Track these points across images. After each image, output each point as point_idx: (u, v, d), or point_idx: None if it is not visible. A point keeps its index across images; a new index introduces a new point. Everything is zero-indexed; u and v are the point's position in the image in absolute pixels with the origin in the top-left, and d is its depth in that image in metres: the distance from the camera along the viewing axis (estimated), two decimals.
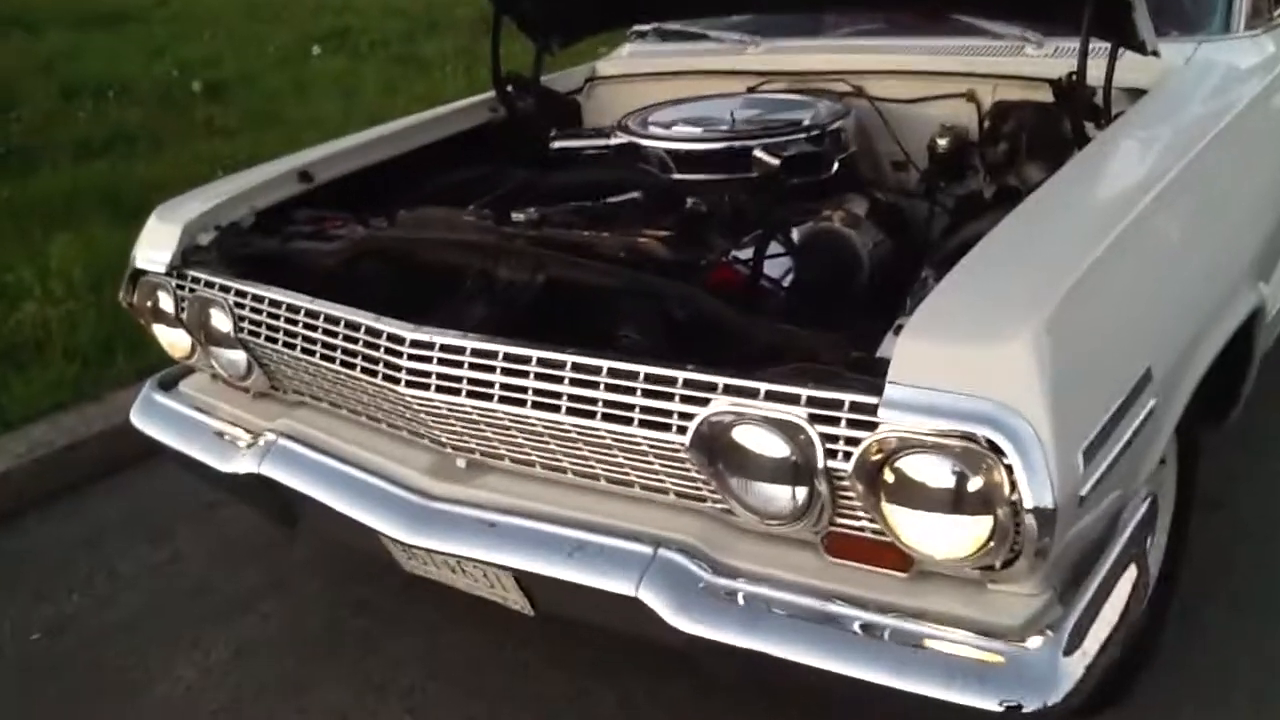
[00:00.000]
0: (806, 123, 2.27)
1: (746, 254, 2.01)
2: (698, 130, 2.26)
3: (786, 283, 1.89)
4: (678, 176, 2.22)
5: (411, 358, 1.78)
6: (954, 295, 1.48)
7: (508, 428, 1.74)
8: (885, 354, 1.44)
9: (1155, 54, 2.12)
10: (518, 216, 1.92)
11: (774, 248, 1.99)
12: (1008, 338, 1.37)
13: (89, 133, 6.16)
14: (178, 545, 2.88)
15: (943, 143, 2.39)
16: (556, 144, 2.45)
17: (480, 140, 2.80)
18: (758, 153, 2.15)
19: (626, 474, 1.70)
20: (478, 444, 1.84)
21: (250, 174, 2.50)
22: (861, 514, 1.51)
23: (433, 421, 1.83)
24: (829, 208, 2.09)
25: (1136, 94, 2.22)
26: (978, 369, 1.36)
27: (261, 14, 9.33)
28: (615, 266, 1.76)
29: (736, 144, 2.19)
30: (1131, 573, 1.53)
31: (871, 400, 1.41)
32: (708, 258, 1.94)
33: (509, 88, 2.83)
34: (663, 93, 2.79)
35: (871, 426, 1.41)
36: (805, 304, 1.81)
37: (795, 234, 1.97)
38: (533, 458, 1.79)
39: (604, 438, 1.64)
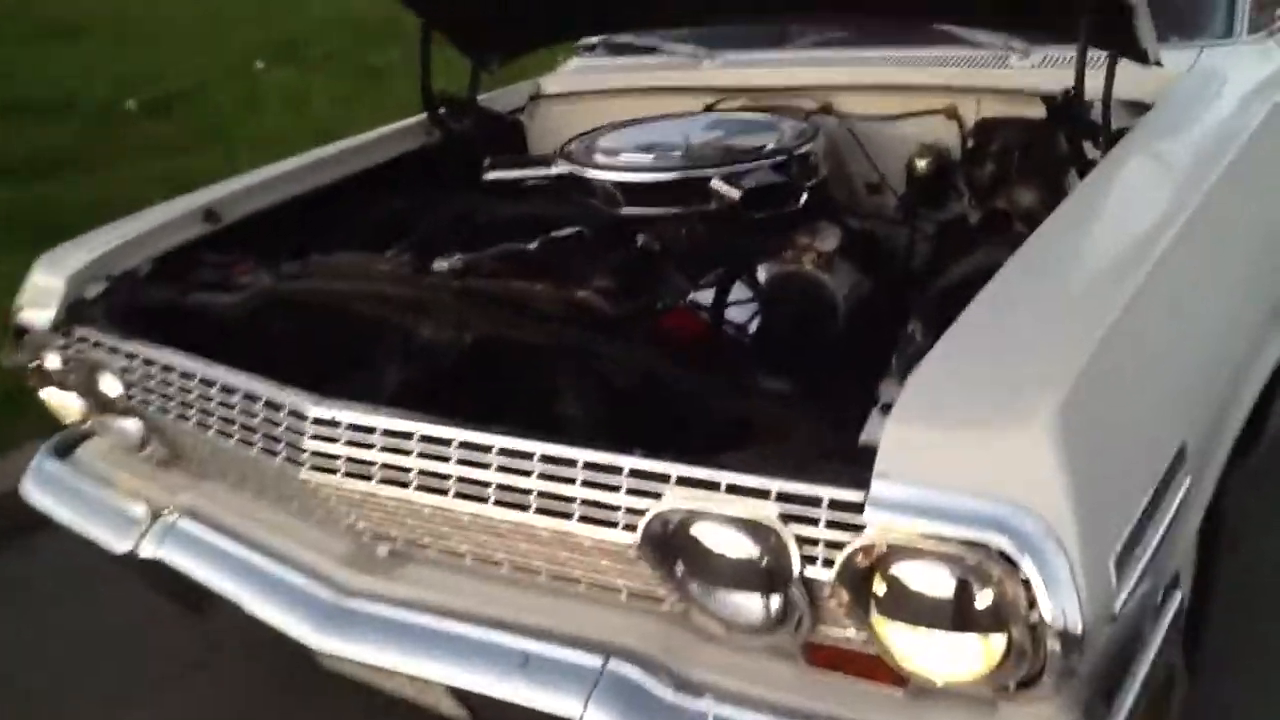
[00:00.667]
0: (770, 147, 2.03)
1: (705, 299, 1.77)
2: (648, 158, 2.02)
3: (750, 335, 1.65)
4: (626, 211, 1.97)
5: (316, 437, 1.53)
6: (951, 366, 1.24)
7: (430, 518, 1.49)
8: (871, 438, 1.20)
9: (1158, 64, 1.89)
10: (440, 265, 1.66)
11: (736, 292, 1.75)
12: (1020, 422, 1.13)
13: (23, 152, 5.84)
14: (92, 610, 2.60)
15: (922, 164, 2.16)
16: (490, 174, 2.20)
17: (412, 168, 2.54)
18: (716, 183, 1.90)
19: (571, 571, 1.45)
20: (399, 532, 1.58)
21: (148, 215, 2.23)
22: (849, 622, 1.26)
23: (346, 508, 1.58)
24: (798, 245, 1.84)
25: (1135, 108, 2.00)
26: (984, 461, 1.12)
27: (222, 22, 8.99)
28: (551, 325, 1.51)
29: (692, 173, 1.95)
30: (1168, 681, 1.29)
31: (856, 497, 1.17)
32: (660, 305, 1.69)
33: (441, 109, 2.57)
34: (612, 112, 2.54)
35: (857, 529, 1.17)
36: (772, 362, 1.57)
37: (760, 277, 1.73)
38: (462, 548, 1.54)
39: (540, 533, 1.39)
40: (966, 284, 1.57)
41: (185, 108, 6.81)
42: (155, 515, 1.88)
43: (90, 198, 5.17)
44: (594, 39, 2.81)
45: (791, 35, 2.59)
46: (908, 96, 2.22)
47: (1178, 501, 1.27)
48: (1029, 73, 2.14)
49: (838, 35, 2.49)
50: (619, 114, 2.49)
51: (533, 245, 1.89)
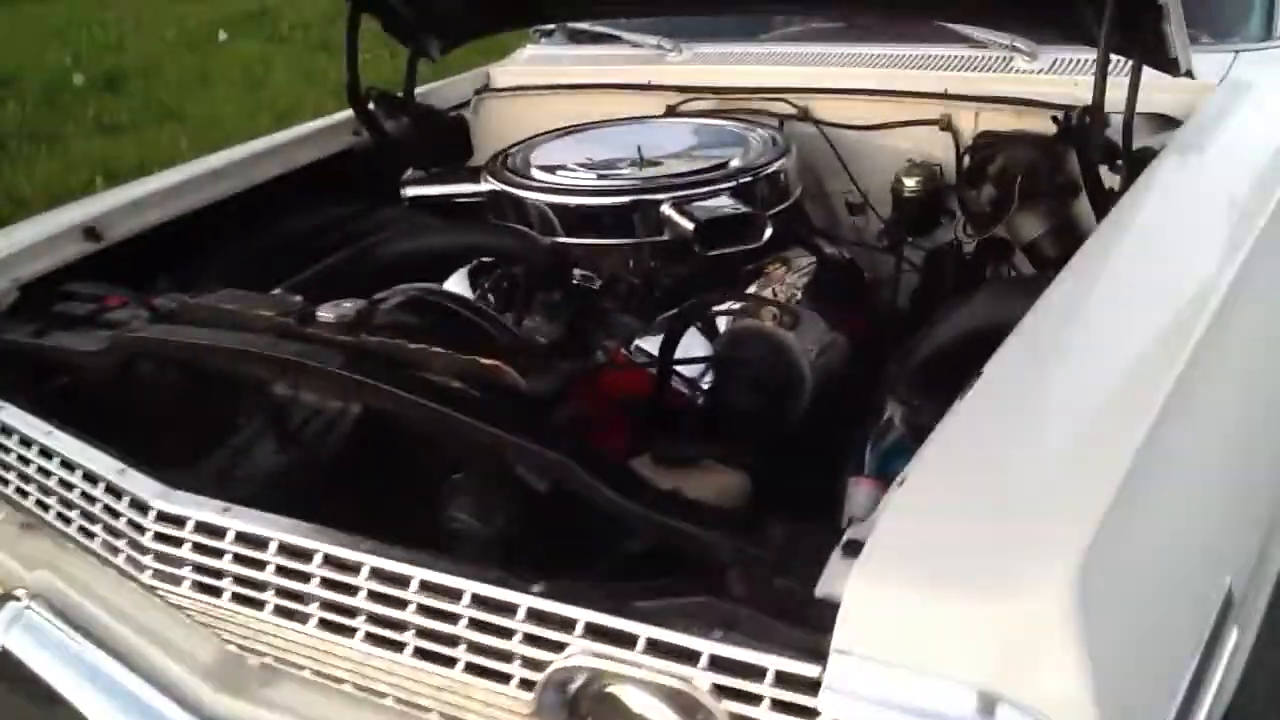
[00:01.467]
0: (734, 164, 1.74)
1: (649, 346, 1.49)
2: (590, 177, 1.72)
3: (695, 410, 1.37)
4: (564, 240, 1.68)
5: (159, 536, 1.24)
6: (937, 495, 0.95)
7: (296, 640, 1.21)
8: (831, 591, 0.91)
9: (1189, 75, 1.61)
10: (326, 314, 1.37)
11: (686, 346, 1.47)
12: (1029, 587, 0.85)
13: None
14: None
15: (910, 183, 1.87)
16: (409, 191, 1.90)
17: (336, 175, 2.24)
18: (668, 209, 1.61)
19: (464, 715, 1.17)
20: (269, 649, 1.30)
21: (18, 230, 1.93)
22: None
23: (203, 620, 1.30)
24: (764, 286, 1.56)
25: (1159, 122, 1.71)
26: (980, 639, 0.84)
27: None
28: (450, 402, 1.22)
29: (641, 196, 1.65)
30: None
31: (809, 672, 0.89)
32: (595, 363, 1.41)
33: (371, 104, 2.26)
34: (565, 110, 2.25)
35: (810, 714, 0.89)
36: (718, 449, 1.29)
37: (712, 332, 1.44)
38: (340, 673, 1.26)
39: (421, 678, 1.11)
40: (959, 347, 1.29)
41: (139, 82, 6.46)
42: (4, 596, 1.60)
43: (33, 182, 4.87)
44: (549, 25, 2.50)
45: (769, 25, 2.28)
46: (896, 103, 1.93)
47: (1226, 657, 1.00)
48: (1036, 80, 1.86)
49: (818, 27, 2.19)
50: (573, 112, 2.20)
51: (447, 285, 1.60)
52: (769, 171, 1.74)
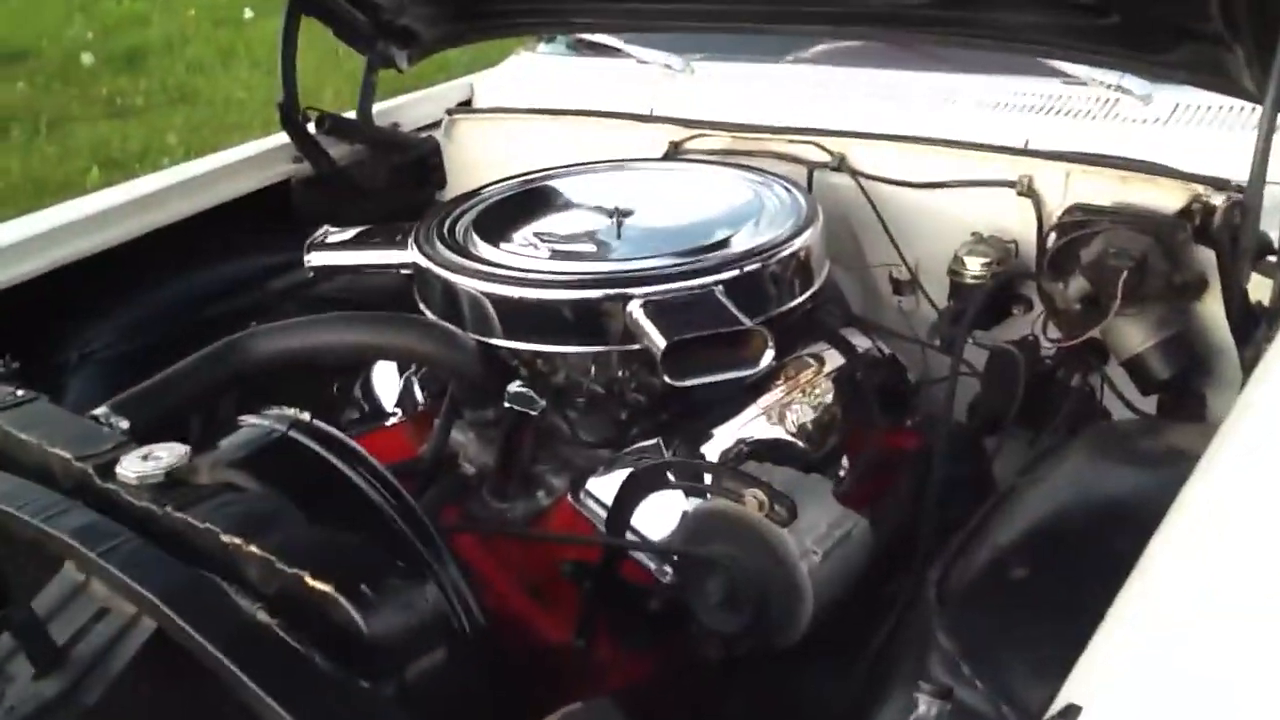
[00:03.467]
0: (743, 247, 1.29)
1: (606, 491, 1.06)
2: (542, 256, 1.28)
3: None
4: (502, 345, 1.25)
5: None
6: None
7: None
8: None
9: None
10: (126, 472, 0.95)
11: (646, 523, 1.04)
12: None
13: None
14: None
15: (974, 265, 1.42)
16: (312, 259, 1.48)
17: (277, 208, 1.84)
18: (637, 313, 1.17)
19: None
20: None
21: None
22: None
23: None
24: (773, 408, 1.13)
25: None
26: None
27: None
28: (245, 643, 0.81)
29: (606, 293, 1.21)
30: None
31: None
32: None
33: (311, 126, 1.85)
34: (550, 138, 1.84)
35: None
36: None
37: (677, 514, 1.01)
38: None
39: None
40: (1040, 550, 0.87)
41: (160, 60, 6.12)
42: None
43: (29, 170, 4.55)
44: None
45: (798, 41, 1.83)
46: (960, 155, 1.47)
47: None
48: (1150, 132, 1.39)
49: (862, 46, 1.73)
50: (560, 141, 1.79)
51: (375, 372, 1.19)
52: (783, 254, 1.29)
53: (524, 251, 1.30)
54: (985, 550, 0.97)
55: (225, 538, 0.90)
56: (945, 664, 0.83)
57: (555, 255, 1.28)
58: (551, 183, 1.55)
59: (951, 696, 0.76)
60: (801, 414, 1.32)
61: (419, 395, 1.44)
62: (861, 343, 1.47)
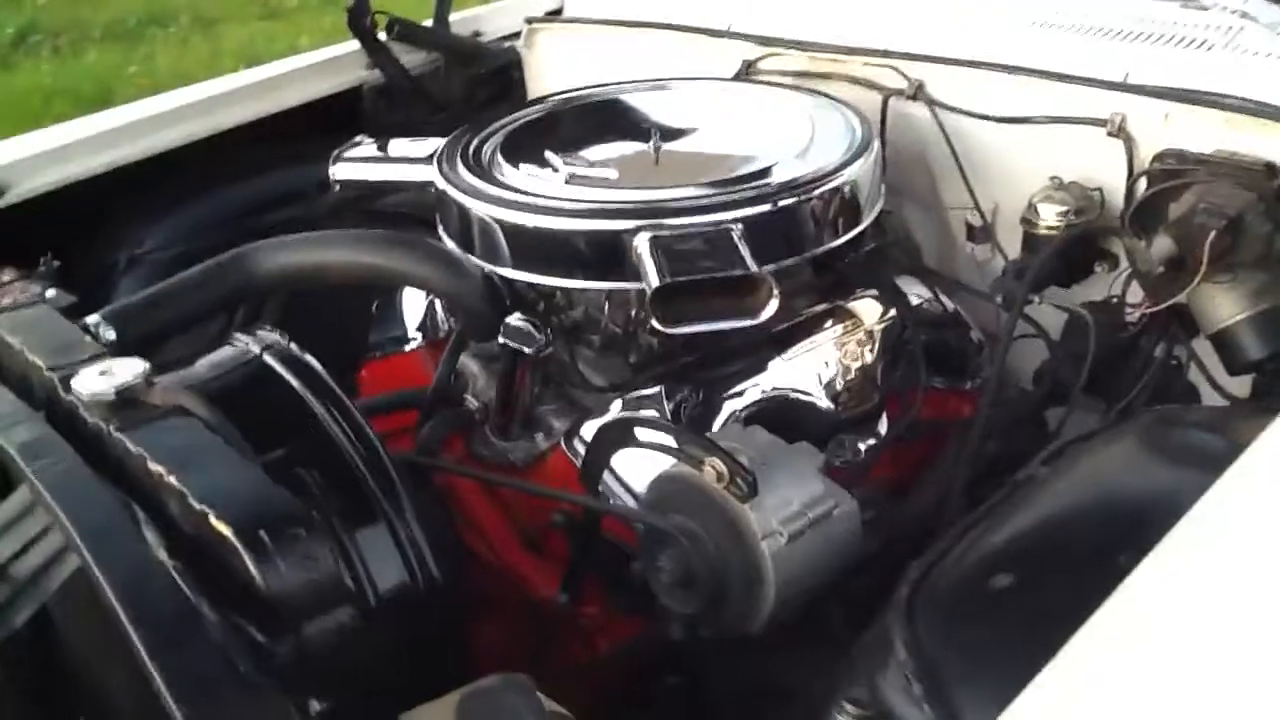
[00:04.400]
0: (780, 179, 1.17)
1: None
2: (556, 181, 1.19)
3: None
4: (509, 275, 1.18)
5: None
6: None
7: None
8: None
9: None
10: (81, 387, 0.92)
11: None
12: None
13: (126, 10, 5.37)
14: None
15: (1049, 214, 1.26)
16: (337, 171, 1.42)
17: (345, 118, 1.80)
18: (643, 248, 1.07)
19: None
20: None
21: None
22: None
23: None
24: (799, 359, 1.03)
25: None
26: None
27: None
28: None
29: (610, 225, 1.12)
30: None
31: None
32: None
33: (380, 32, 1.79)
34: (626, 52, 1.73)
35: None
36: None
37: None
38: None
39: None
40: (1024, 562, 0.78)
41: None
42: None
43: (173, 69, 4.67)
44: None
45: None
46: (1049, 88, 1.30)
47: None
48: (1275, 69, 1.20)
49: None
50: (638, 55, 1.69)
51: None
52: (823, 189, 1.16)
53: (543, 176, 1.22)
54: (976, 551, 0.85)
55: (152, 465, 0.86)
56: (896, 681, 0.73)
57: (573, 181, 1.19)
58: (599, 101, 1.45)
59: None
60: (833, 370, 1.21)
61: (441, 320, 1.38)
62: (920, 293, 1.33)
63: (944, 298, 1.35)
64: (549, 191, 1.18)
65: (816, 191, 1.18)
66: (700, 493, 0.89)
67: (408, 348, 1.39)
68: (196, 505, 0.81)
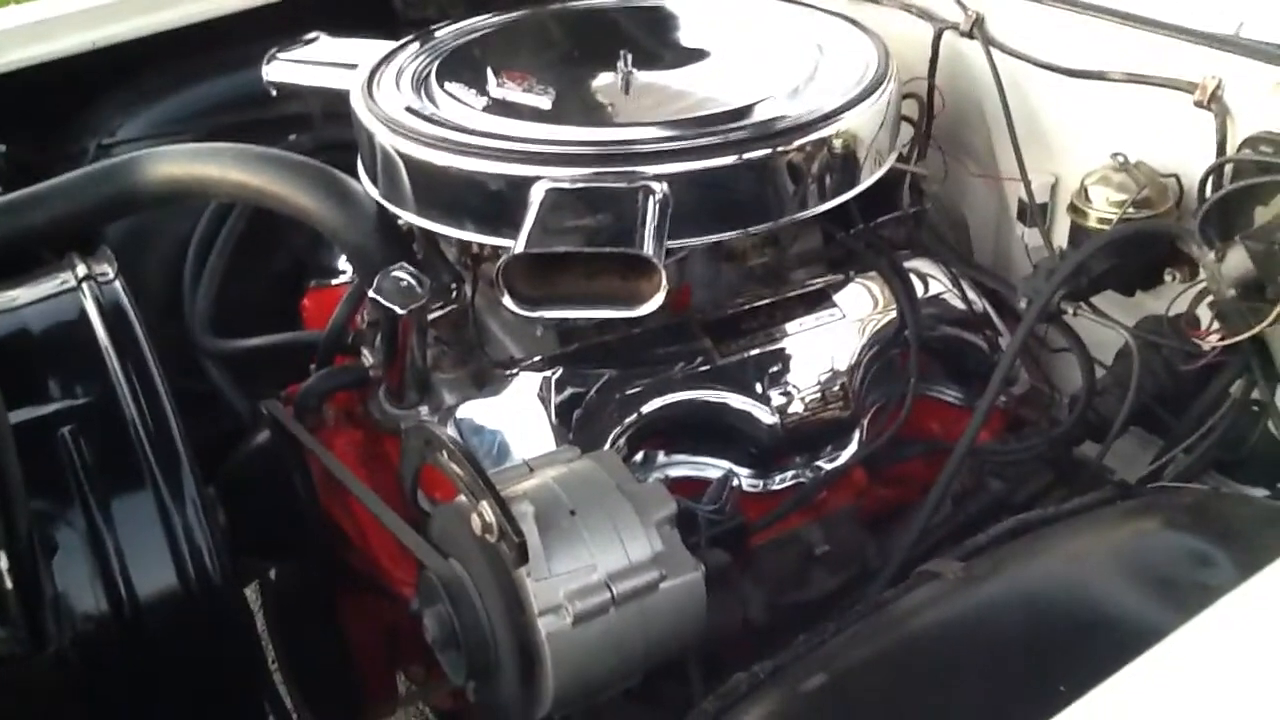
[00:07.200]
0: (768, 116, 0.94)
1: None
2: (474, 110, 0.98)
3: None
4: (408, 219, 0.99)
5: None
6: None
7: None
8: None
9: None
10: None
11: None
12: None
13: None
14: None
15: (1101, 200, 0.98)
16: (269, 70, 1.21)
17: (367, 12, 1.62)
18: (533, 199, 0.86)
19: None
20: None
21: None
22: None
23: None
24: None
25: None
26: None
27: None
28: None
29: (520, 170, 0.90)
30: None
31: None
32: None
33: None
34: None
35: None
36: None
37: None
38: None
39: None
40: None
41: None
42: None
43: None
44: None
45: None
46: (1134, 36, 1.00)
47: None
48: None
49: None
50: None
51: None
52: (801, 141, 0.91)
53: (467, 101, 1.01)
54: (850, 652, 0.63)
55: None
56: None
57: (491, 109, 0.98)
58: (586, 10, 1.22)
59: None
60: (791, 371, 0.98)
61: None
62: (941, 282, 1.08)
63: (970, 291, 1.09)
64: (458, 122, 0.97)
65: (796, 142, 0.93)
66: (474, 544, 0.69)
67: (336, 281, 1.23)
68: None
